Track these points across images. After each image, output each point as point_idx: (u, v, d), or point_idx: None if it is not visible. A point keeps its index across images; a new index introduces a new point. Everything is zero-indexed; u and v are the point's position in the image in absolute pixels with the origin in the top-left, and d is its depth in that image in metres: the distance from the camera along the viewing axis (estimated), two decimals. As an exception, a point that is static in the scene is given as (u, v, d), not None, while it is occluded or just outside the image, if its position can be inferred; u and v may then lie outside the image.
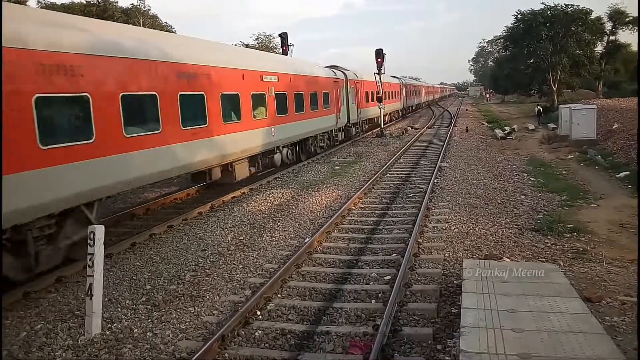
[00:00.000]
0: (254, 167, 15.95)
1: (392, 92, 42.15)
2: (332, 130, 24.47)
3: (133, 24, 43.96)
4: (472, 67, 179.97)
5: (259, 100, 15.53)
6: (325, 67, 26.72)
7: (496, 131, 30.96)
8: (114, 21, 39.67)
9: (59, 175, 7.92)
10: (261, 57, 20.26)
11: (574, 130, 22.37)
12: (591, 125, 22.10)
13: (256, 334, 6.31)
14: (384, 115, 35.79)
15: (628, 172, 15.19)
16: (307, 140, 21.10)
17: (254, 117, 15.16)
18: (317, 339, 6.12)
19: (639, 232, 9.22)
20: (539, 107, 40.01)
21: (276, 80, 16.94)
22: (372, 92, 33.17)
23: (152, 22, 52.65)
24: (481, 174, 16.59)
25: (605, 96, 49.76)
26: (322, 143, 23.41)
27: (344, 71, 27.81)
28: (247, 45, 60.22)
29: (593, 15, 46.69)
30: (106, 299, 7.33)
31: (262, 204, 13.49)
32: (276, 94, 16.77)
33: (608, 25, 51.67)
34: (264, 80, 15.99)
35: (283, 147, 18.14)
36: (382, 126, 32.90)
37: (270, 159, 17.25)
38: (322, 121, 22.36)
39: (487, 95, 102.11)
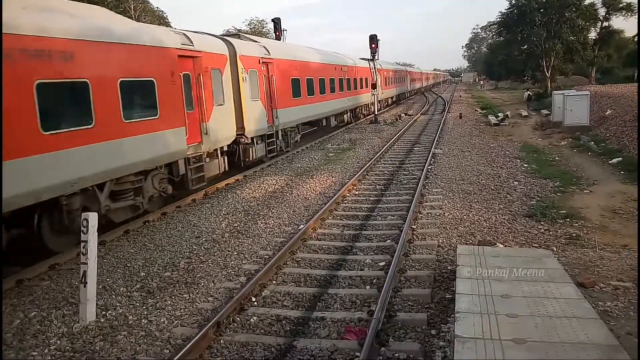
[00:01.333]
0: None
1: (348, 80, 28.30)
2: (171, 165, 11.69)
3: (124, 9, 43.38)
4: (465, 53, 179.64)
5: None
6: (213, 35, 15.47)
7: (489, 117, 30.97)
8: (103, 6, 39.06)
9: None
10: None
11: (567, 116, 22.40)
12: (584, 111, 22.13)
13: (251, 320, 6.32)
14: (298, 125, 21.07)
15: (621, 158, 15.26)
16: (57, 206, 8.63)
17: None
18: (312, 325, 6.14)
19: (639, 220, 9.27)
20: (528, 92, 40.06)
21: None
22: (307, 80, 21.43)
23: (143, 7, 51.93)
24: (475, 160, 16.61)
25: (598, 82, 49.81)
26: (124, 202, 10.27)
27: (230, 40, 15.54)
28: (239, 31, 59.48)
29: (587, 1, 46.69)
30: (100, 287, 7.31)
31: (256, 191, 13.45)
32: None
33: (602, 12, 51.59)
34: None
35: None
36: (376, 113, 32.79)
37: None
38: (114, 154, 9.56)
39: (482, 82, 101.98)
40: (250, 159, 15.94)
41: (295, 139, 20.76)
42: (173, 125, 11.41)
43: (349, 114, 29.53)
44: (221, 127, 13.83)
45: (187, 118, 12.04)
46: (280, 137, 18.52)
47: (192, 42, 12.54)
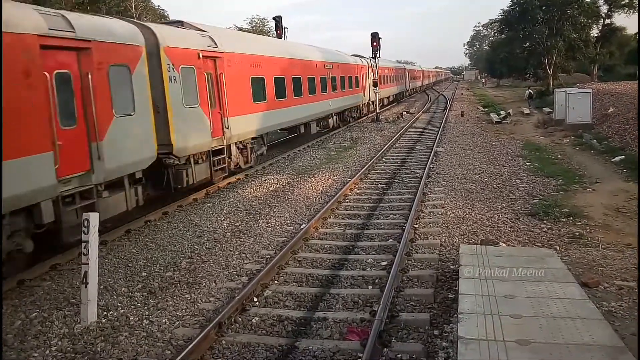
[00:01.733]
0: None
1: (334, 79, 24.75)
2: (32, 210, 7.83)
3: (125, 8, 43.33)
4: (467, 51, 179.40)
5: None
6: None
7: (491, 115, 30.88)
8: (104, 4, 39.00)
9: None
10: None
11: (569, 114, 22.32)
12: (586, 109, 22.03)
13: (253, 320, 6.29)
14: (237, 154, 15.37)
15: (623, 156, 15.19)
16: None
17: None
18: (314, 325, 6.11)
19: (638, 217, 9.22)
20: (529, 90, 40.00)
21: None
22: (276, 79, 17.50)
23: (145, 5, 51.83)
24: (477, 158, 16.56)
25: (600, 80, 49.69)
26: None
27: (150, 26, 11.37)
28: (240, 29, 59.39)
29: (588, -2, 46.50)
30: (101, 287, 7.29)
31: (258, 190, 13.43)
32: None
33: (604, 9, 51.41)
34: None
35: None
36: (378, 111, 32.73)
37: None
38: None
39: (483, 80, 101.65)
40: (185, 184, 11.91)
41: (260, 152, 16.88)
42: (27, 151, 7.54)
43: (334, 118, 25.81)
44: (128, 147, 9.85)
45: (61, 138, 8.18)
46: (234, 153, 14.48)
47: (72, 28, 8.63)
